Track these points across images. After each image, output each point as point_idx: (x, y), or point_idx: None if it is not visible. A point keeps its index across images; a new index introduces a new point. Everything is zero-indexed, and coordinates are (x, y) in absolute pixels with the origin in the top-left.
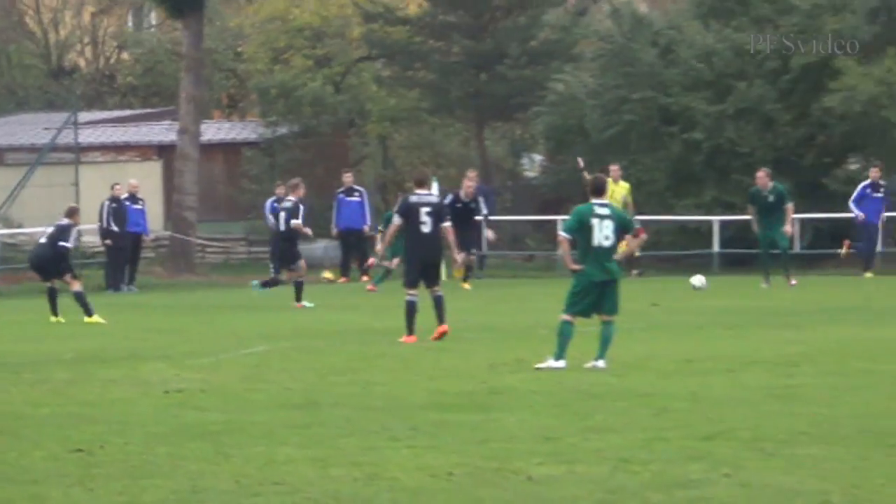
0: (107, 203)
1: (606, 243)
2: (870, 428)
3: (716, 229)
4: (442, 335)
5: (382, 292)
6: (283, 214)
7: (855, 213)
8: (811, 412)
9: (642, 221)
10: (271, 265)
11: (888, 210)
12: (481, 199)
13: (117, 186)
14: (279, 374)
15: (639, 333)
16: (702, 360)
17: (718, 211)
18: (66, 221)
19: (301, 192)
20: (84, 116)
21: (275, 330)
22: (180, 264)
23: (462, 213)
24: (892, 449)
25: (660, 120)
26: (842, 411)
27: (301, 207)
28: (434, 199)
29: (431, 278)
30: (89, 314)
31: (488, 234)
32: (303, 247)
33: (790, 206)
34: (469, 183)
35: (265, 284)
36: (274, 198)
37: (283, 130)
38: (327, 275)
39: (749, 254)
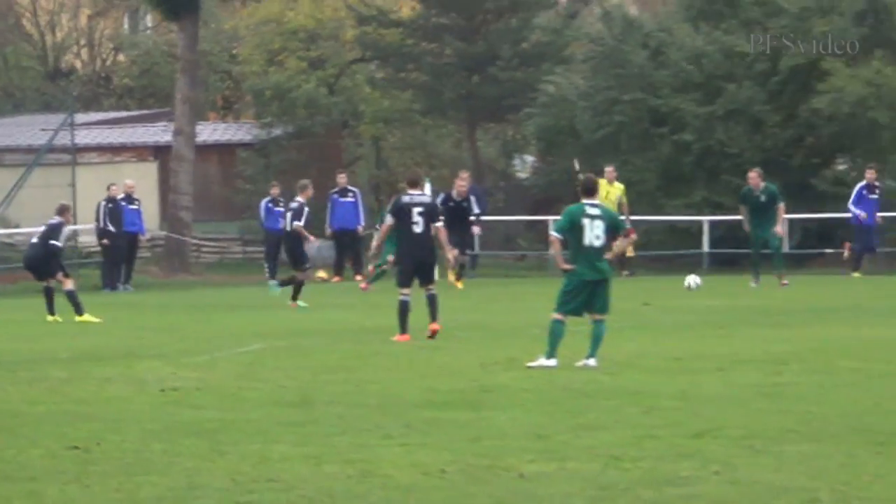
0: (103, 203)
1: (597, 243)
2: (857, 426)
3: (706, 229)
4: (434, 333)
5: (376, 292)
6: (289, 215)
7: (856, 213)
8: (800, 410)
9: (633, 222)
10: (266, 265)
11: (879, 210)
12: (473, 199)
13: (113, 187)
14: (274, 373)
15: (630, 332)
16: (692, 359)
17: (708, 211)
18: (56, 220)
19: (309, 193)
20: (81, 118)
21: (269, 329)
22: (176, 264)
23: (454, 212)
24: (879, 446)
25: (650, 121)
26: (830, 409)
27: (306, 210)
28: (426, 199)
29: (426, 277)
30: (80, 313)
31: (474, 229)
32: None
33: (781, 206)
34: (461, 183)
35: (283, 284)
36: (269, 198)
37: (277, 131)
38: (321, 274)
39: (738, 253)
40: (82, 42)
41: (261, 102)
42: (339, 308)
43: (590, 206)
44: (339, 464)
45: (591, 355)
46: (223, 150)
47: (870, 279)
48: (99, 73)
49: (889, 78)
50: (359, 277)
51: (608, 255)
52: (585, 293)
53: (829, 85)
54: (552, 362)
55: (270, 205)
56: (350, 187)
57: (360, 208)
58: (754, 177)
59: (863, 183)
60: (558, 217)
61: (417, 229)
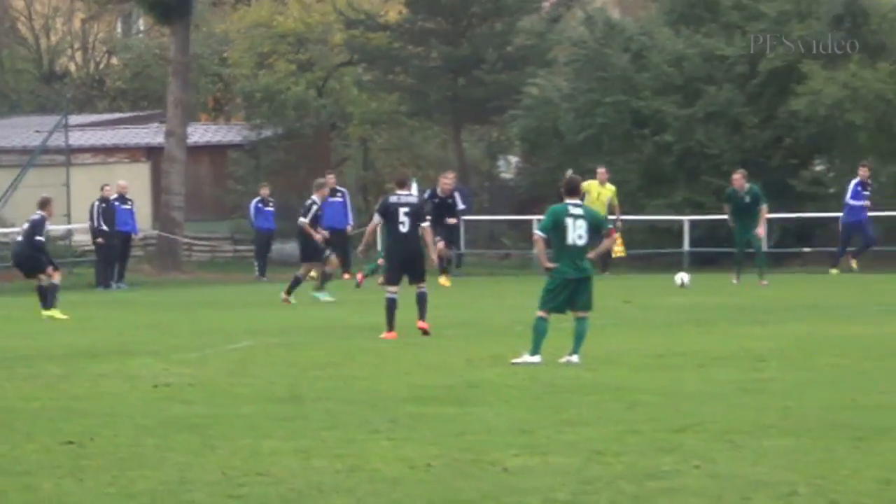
0: (97, 203)
1: (580, 242)
2: (835, 421)
3: (686, 228)
4: (424, 331)
5: (364, 290)
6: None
7: (854, 204)
8: (778, 406)
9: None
10: (255, 263)
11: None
12: (458, 195)
13: (107, 187)
14: (264, 369)
15: (612, 329)
16: (672, 356)
17: (689, 211)
18: (38, 215)
19: (325, 192)
20: (74, 119)
21: (259, 326)
22: (168, 262)
23: (439, 208)
24: (856, 441)
25: (632, 123)
26: (808, 405)
27: (314, 208)
28: (413, 199)
29: (415, 275)
30: (47, 307)
31: (450, 220)
32: (283, 246)
33: (764, 207)
34: (445, 181)
35: (323, 282)
36: (258, 198)
37: (267, 133)
38: (311, 273)
39: (719, 252)
40: (76, 45)
41: (251, 104)
42: (328, 306)
43: (573, 206)
44: (328, 458)
45: (574, 352)
46: (214, 151)
47: (848, 276)
48: (92, 76)
49: (865, 81)
50: (347, 276)
51: (590, 255)
52: (568, 291)
53: (806, 88)
54: (536, 359)
55: (260, 204)
56: (339, 188)
57: (349, 208)
58: (739, 178)
59: (857, 179)
60: (542, 216)
61: (403, 229)
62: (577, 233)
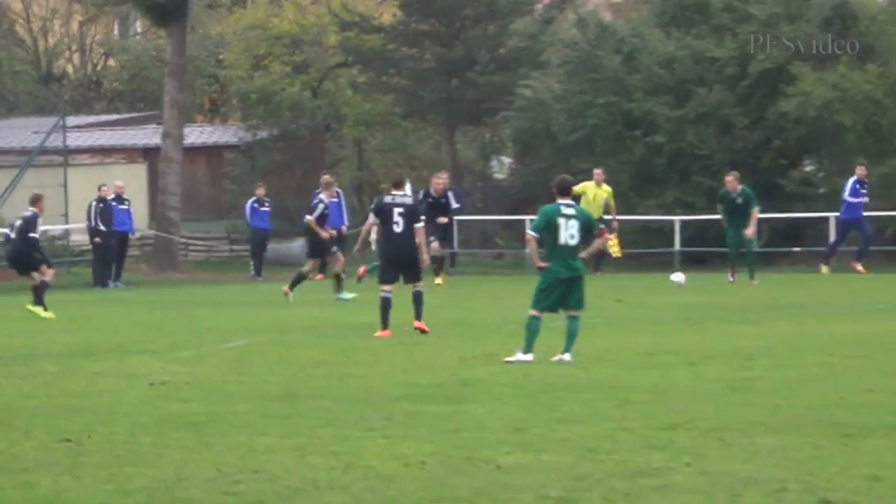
0: (94, 203)
1: (572, 242)
2: (824, 418)
3: (677, 228)
4: (421, 331)
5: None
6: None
7: (852, 201)
8: (768, 403)
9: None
10: (251, 262)
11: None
12: (451, 195)
13: (104, 188)
14: (259, 367)
15: (603, 328)
16: (663, 354)
17: (679, 211)
18: (30, 212)
19: (332, 190)
20: (72, 121)
21: (255, 325)
22: (164, 262)
23: (433, 207)
24: (845, 438)
25: (623, 124)
26: (798, 402)
27: (321, 206)
28: (408, 200)
29: (410, 275)
30: (35, 303)
31: (441, 219)
32: (278, 245)
33: (756, 210)
34: (438, 181)
35: (339, 288)
36: (254, 198)
37: (262, 134)
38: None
39: (709, 252)
40: (74, 47)
41: (246, 105)
42: (323, 305)
43: (565, 206)
44: (323, 455)
45: (567, 350)
46: (210, 151)
47: (837, 276)
48: (90, 78)
49: (854, 82)
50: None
51: (582, 254)
52: (560, 290)
53: (796, 89)
54: (529, 357)
55: (256, 204)
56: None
57: (344, 208)
58: (731, 180)
59: (854, 177)
60: (534, 216)
61: (398, 229)
62: (569, 232)
